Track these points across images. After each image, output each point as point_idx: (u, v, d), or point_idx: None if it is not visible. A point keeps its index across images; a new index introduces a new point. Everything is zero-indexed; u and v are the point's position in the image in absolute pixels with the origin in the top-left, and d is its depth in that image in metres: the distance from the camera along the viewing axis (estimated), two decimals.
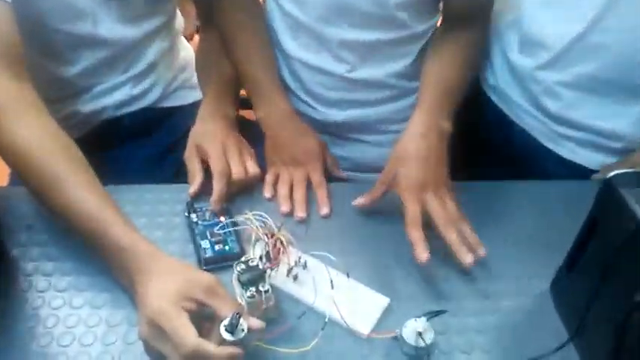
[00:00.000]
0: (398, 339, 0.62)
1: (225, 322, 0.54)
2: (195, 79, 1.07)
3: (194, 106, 1.03)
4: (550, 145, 0.87)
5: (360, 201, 0.77)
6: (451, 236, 0.69)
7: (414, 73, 0.88)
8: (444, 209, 0.71)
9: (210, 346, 0.53)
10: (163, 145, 1.01)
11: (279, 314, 0.65)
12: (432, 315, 0.61)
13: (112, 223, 0.62)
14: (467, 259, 0.67)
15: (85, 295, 0.65)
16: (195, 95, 1.06)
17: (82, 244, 0.67)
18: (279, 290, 0.67)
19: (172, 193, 0.79)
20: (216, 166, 0.77)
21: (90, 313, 0.63)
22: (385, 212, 0.77)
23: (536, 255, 0.74)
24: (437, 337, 0.61)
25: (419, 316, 0.61)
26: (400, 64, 0.89)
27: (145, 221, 0.74)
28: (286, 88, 0.94)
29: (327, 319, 0.62)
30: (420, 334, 0.60)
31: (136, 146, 1.00)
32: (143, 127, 1.00)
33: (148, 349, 0.57)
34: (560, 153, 0.87)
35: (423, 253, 0.67)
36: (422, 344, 0.60)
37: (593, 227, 0.62)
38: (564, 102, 0.82)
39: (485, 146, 0.94)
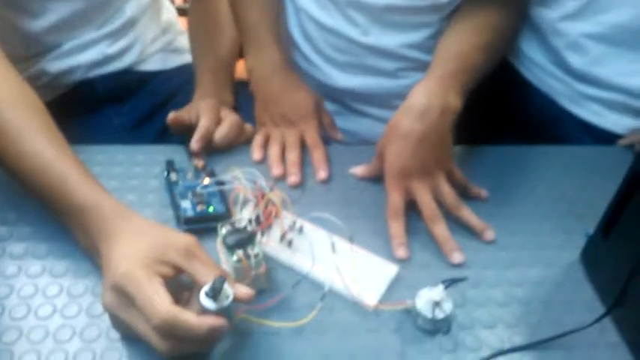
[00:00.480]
0: (410, 311, 0.53)
1: (207, 287, 0.45)
2: (177, 43, 0.98)
3: (175, 72, 0.96)
4: (572, 108, 0.79)
5: (356, 171, 0.69)
6: (437, 231, 0.61)
7: (433, 47, 0.77)
8: (430, 200, 0.62)
9: (188, 316, 0.44)
10: (141, 113, 0.92)
11: (270, 284, 0.55)
12: (450, 283, 0.53)
13: (72, 178, 0.53)
14: (454, 258, 0.59)
15: (43, 262, 0.55)
16: (177, 60, 0.97)
17: (41, 208, 0.58)
18: (272, 259, 0.58)
19: (148, 155, 0.69)
20: (205, 112, 0.70)
21: (49, 282, 0.54)
22: None
23: (562, 224, 0.65)
24: (455, 309, 0.53)
25: (434, 285, 0.52)
26: (418, 35, 0.79)
27: (115, 184, 0.65)
28: (294, 47, 0.85)
29: (326, 289, 0.53)
30: (436, 304, 0.51)
31: (111, 113, 0.91)
32: (118, 92, 0.90)
33: (115, 321, 0.48)
34: (583, 116, 0.78)
35: (399, 250, 0.59)
36: (440, 315, 0.51)
37: (633, 187, 0.54)
38: (590, 57, 0.74)
39: (499, 111, 0.85)
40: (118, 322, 0.48)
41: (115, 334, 0.50)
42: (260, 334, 0.51)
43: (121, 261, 0.46)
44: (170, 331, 0.43)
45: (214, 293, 0.44)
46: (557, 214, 0.66)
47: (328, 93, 0.83)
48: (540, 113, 0.82)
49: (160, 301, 0.43)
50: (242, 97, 0.83)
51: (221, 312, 0.45)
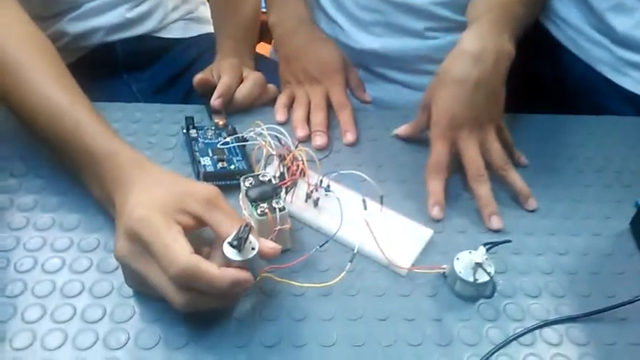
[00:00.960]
0: (447, 276, 0.49)
1: (231, 237, 0.41)
2: (198, 12, 0.95)
3: (196, 41, 0.92)
4: (613, 77, 0.73)
5: (400, 131, 0.65)
6: (480, 191, 0.56)
7: (465, 5, 0.71)
8: (478, 155, 0.57)
9: (209, 266, 0.40)
10: (160, 80, 0.89)
11: (294, 245, 0.51)
12: (492, 245, 0.48)
13: (87, 124, 0.49)
14: (492, 224, 0.55)
15: (53, 215, 0.52)
16: (198, 29, 0.94)
17: (52, 160, 0.55)
18: (297, 219, 0.54)
19: (168, 113, 0.66)
20: (227, 70, 0.67)
21: (58, 235, 0.50)
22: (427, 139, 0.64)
23: (607, 193, 0.60)
24: (496, 277, 0.48)
25: (474, 249, 0.48)
26: None
27: (132, 140, 0.61)
28: (317, 7, 0.81)
29: (355, 251, 0.49)
30: (478, 265, 0.46)
31: (130, 80, 0.88)
32: (138, 57, 0.87)
33: (128, 274, 0.44)
34: (625, 86, 0.73)
35: (434, 209, 0.55)
36: (482, 278, 0.46)
37: None
38: (637, 19, 0.68)
39: (531, 81, 0.80)
40: (131, 276, 0.44)
41: (127, 291, 0.46)
42: (284, 294, 0.47)
43: (137, 207, 0.42)
44: (189, 282, 0.40)
45: (239, 243, 0.40)
46: (602, 184, 0.61)
47: (352, 57, 0.78)
48: (576, 82, 0.76)
49: (179, 249, 0.40)
50: (263, 71, 0.79)
51: (245, 265, 0.41)
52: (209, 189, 0.45)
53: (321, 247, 0.49)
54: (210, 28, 0.93)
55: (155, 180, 0.46)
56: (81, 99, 0.52)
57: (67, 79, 0.54)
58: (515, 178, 0.58)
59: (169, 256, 0.39)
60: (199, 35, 0.93)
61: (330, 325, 0.45)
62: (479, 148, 0.57)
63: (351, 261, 0.48)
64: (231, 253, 0.41)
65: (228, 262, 0.41)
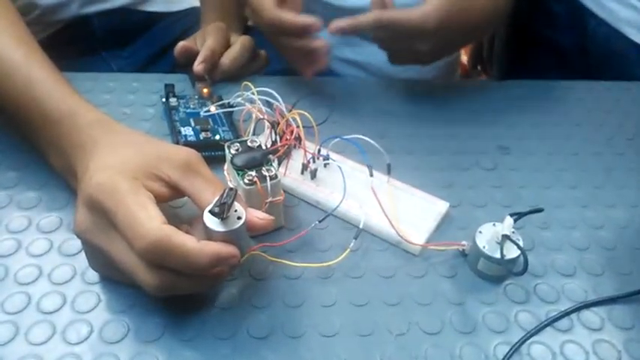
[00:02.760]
0: (466, 254, 0.42)
1: (212, 204, 0.34)
2: None
3: (180, 16, 0.86)
4: None
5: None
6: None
7: None
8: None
9: (185, 239, 0.33)
10: (141, 58, 0.82)
11: (289, 222, 0.44)
12: (520, 215, 0.41)
13: (42, 81, 0.42)
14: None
15: (9, 192, 0.45)
16: (183, 2, 0.87)
17: (6, 129, 0.48)
18: (291, 194, 0.47)
19: (145, 82, 0.59)
20: (212, 33, 0.60)
21: (14, 214, 0.43)
22: (441, 110, 0.57)
23: None
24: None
25: (499, 221, 0.41)
26: None
27: (105, 111, 0.53)
28: None
29: (361, 226, 0.42)
30: (506, 238, 0.39)
31: (109, 57, 0.81)
32: (118, 33, 0.80)
33: (90, 253, 0.38)
34: None
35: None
36: (511, 254, 0.39)
37: None
38: None
39: (550, 48, 0.73)
40: (93, 255, 0.37)
41: (92, 276, 0.39)
42: (277, 277, 0.40)
43: (98, 170, 0.35)
44: (160, 258, 0.33)
45: (222, 209, 0.33)
46: (635, 152, 0.55)
47: (333, 17, 0.71)
48: (600, 48, 0.70)
49: (147, 218, 0.32)
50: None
51: (229, 238, 0.34)
52: (188, 152, 0.38)
53: (320, 222, 0.42)
54: (195, 2, 0.86)
55: (123, 140, 0.39)
56: (38, 56, 0.45)
57: (26, 36, 0.47)
58: None
59: (136, 227, 0.32)
60: (185, 10, 0.86)
61: (331, 312, 0.38)
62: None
63: (355, 238, 0.41)
64: (212, 222, 0.34)
65: (209, 236, 0.34)
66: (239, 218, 0.35)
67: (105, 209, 0.33)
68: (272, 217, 0.37)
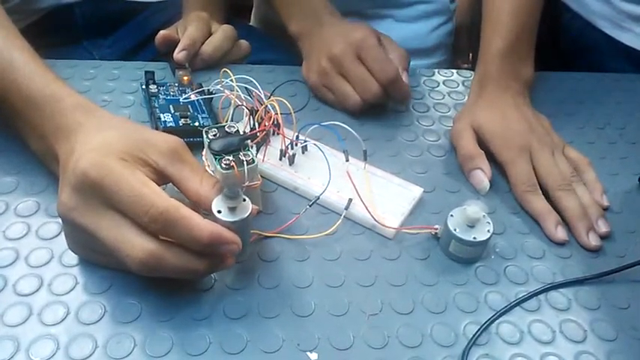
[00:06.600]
0: (438, 237, 0.43)
1: (219, 197, 0.36)
2: None
3: (165, 5, 0.85)
4: (614, 33, 0.68)
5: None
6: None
7: None
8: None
9: (193, 213, 0.33)
10: (124, 48, 0.81)
11: (266, 207, 0.45)
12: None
13: (22, 65, 0.42)
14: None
15: None
16: None
17: None
18: (269, 179, 0.48)
19: (126, 70, 0.59)
20: (193, 22, 0.61)
21: None
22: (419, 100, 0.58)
23: (613, 149, 0.55)
24: (495, 237, 0.43)
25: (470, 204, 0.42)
26: None
27: None
28: None
29: (344, 214, 0.43)
30: (476, 221, 0.40)
31: (91, 46, 0.80)
32: (100, 22, 0.79)
33: (72, 233, 0.38)
34: (626, 42, 0.68)
35: (557, 232, 0.45)
36: (482, 236, 0.40)
37: None
38: None
39: None
40: (74, 235, 0.38)
41: (69, 259, 0.40)
42: (255, 261, 0.41)
43: (87, 152, 0.35)
44: (167, 227, 0.33)
45: (234, 195, 0.35)
46: (605, 140, 0.56)
47: (343, 3, 0.70)
48: (573, 40, 0.71)
49: (153, 193, 0.33)
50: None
51: (236, 226, 0.35)
52: (173, 139, 0.38)
53: (310, 206, 0.43)
54: None
55: (108, 124, 0.39)
56: (18, 40, 0.45)
57: (5, 22, 0.47)
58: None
59: (144, 199, 0.33)
60: (167, 0, 0.86)
61: (306, 292, 0.39)
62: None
63: (341, 219, 0.42)
64: (222, 206, 0.35)
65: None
66: (246, 208, 0.36)
67: (102, 187, 0.33)
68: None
